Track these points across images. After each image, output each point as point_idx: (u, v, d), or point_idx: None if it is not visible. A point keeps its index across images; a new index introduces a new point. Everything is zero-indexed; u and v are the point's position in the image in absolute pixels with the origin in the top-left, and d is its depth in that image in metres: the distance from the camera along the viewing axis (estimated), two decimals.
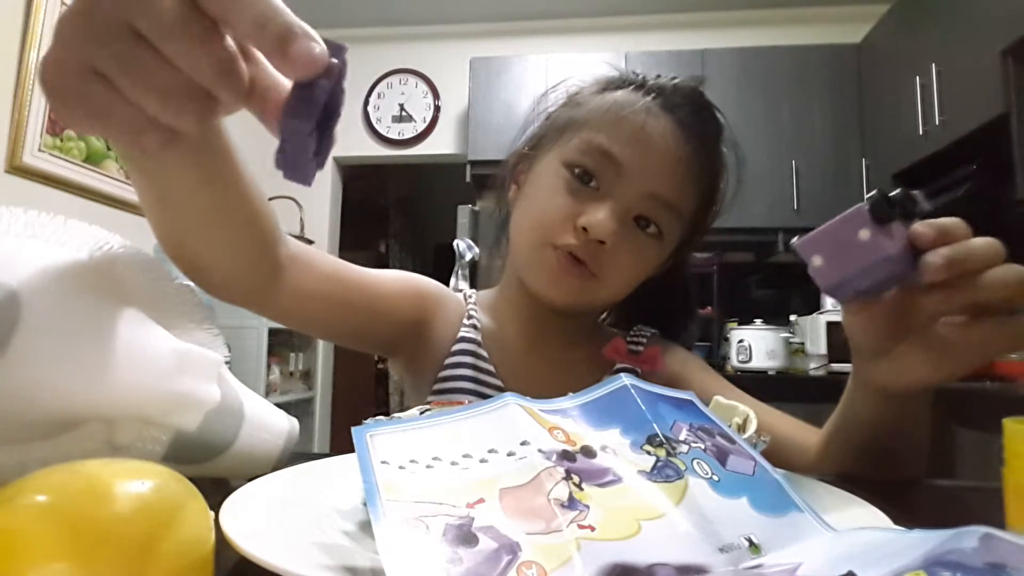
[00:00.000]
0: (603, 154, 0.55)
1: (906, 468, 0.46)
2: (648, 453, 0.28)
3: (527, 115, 0.68)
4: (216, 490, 0.28)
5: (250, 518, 0.26)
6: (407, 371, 0.66)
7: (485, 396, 0.59)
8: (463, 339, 0.63)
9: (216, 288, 0.47)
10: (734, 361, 2.37)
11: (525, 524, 0.22)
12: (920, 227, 0.35)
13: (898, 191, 0.35)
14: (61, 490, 0.19)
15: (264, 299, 0.50)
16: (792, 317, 2.55)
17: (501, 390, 0.60)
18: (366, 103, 3.20)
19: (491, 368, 0.62)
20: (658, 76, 0.60)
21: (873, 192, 0.35)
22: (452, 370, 0.62)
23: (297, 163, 0.26)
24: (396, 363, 0.67)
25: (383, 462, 0.25)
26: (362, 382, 3.84)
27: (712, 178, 0.61)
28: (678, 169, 0.56)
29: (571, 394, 0.32)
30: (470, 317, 0.65)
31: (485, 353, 0.63)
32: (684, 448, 0.29)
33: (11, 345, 0.28)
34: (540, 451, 0.26)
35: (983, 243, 0.34)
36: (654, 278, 0.62)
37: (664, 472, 0.27)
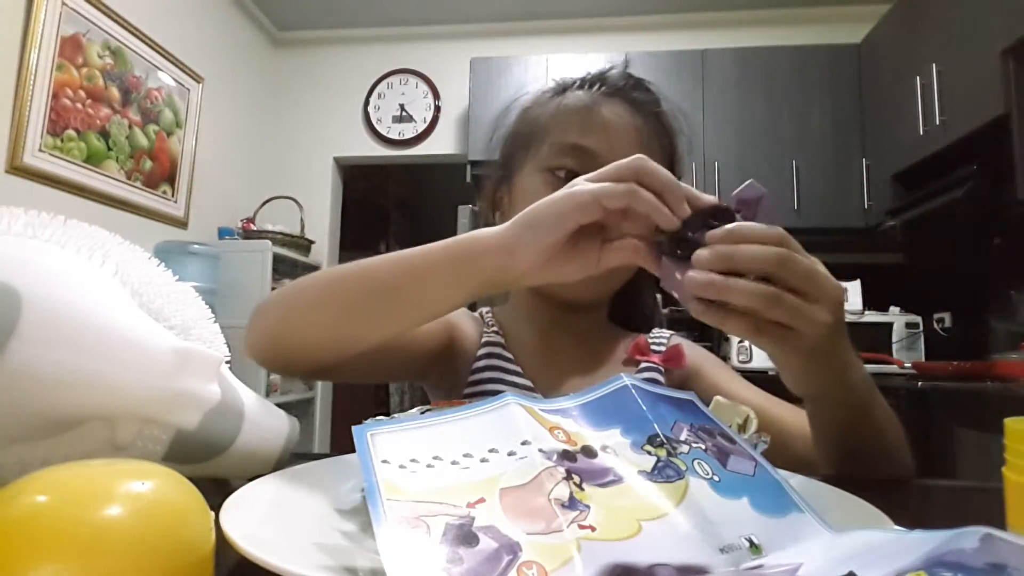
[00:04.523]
0: (576, 149, 0.60)
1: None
2: (649, 453, 0.28)
3: (488, 146, 0.73)
4: (216, 490, 0.28)
5: (250, 518, 0.26)
6: (438, 386, 0.68)
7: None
8: (487, 343, 0.66)
9: (303, 371, 0.50)
10: (734, 361, 2.36)
11: (525, 524, 0.22)
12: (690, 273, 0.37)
13: (662, 240, 0.39)
14: (61, 490, 0.19)
15: (340, 370, 0.52)
16: None
17: (530, 389, 0.63)
18: (366, 103, 3.20)
19: (518, 368, 0.64)
20: (588, 73, 0.67)
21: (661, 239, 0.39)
22: (480, 373, 0.64)
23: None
24: (426, 382, 0.69)
25: (384, 461, 0.25)
26: None
27: (668, 138, 0.66)
28: (639, 137, 0.62)
29: (572, 394, 0.32)
30: (489, 326, 0.69)
31: (509, 355, 0.65)
32: (685, 448, 0.29)
33: (11, 344, 0.28)
34: (541, 451, 0.26)
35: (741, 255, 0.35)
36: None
37: (665, 472, 0.27)
